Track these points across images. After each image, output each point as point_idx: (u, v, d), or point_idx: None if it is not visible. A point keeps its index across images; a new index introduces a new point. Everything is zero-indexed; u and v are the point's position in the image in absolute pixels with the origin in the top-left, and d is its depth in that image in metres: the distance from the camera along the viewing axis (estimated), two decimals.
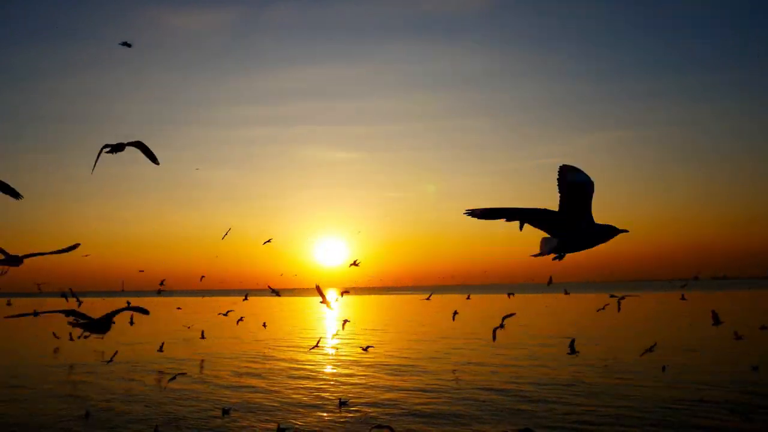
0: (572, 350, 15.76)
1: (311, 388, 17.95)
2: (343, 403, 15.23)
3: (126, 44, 10.59)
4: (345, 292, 25.44)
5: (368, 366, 22.17)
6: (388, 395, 16.55)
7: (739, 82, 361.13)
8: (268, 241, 16.76)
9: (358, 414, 14.41)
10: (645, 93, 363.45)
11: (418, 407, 14.93)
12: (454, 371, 20.48)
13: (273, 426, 13.08)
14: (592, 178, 3.65)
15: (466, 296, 53.74)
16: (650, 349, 17.29)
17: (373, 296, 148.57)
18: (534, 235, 3.74)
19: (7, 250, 6.57)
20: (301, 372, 21.33)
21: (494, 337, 16.91)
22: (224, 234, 14.08)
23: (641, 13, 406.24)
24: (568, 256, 3.81)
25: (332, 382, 18.92)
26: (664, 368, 18.18)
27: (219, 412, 14.44)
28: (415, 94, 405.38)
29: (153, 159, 5.80)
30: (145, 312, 6.78)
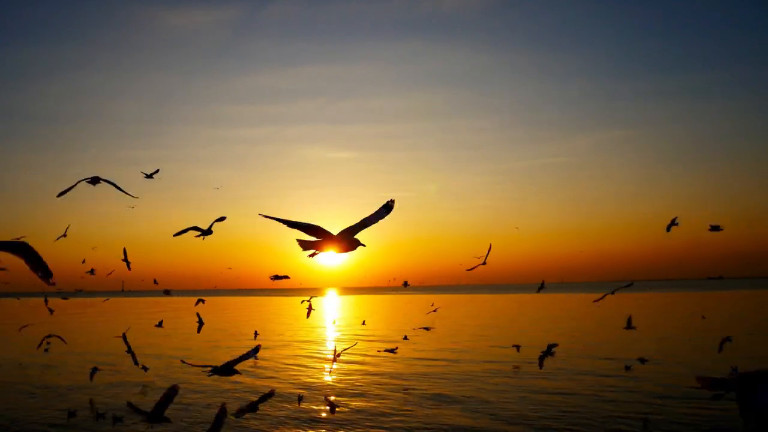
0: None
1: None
2: (301, 398, 15.66)
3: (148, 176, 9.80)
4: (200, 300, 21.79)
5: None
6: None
7: (741, 81, 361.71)
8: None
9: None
10: (646, 92, 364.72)
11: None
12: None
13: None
14: None
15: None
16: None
17: (371, 296, 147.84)
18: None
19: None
20: None
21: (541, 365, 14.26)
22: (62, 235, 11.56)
23: (642, 12, 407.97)
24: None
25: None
26: None
27: None
28: (416, 93, 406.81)
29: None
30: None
